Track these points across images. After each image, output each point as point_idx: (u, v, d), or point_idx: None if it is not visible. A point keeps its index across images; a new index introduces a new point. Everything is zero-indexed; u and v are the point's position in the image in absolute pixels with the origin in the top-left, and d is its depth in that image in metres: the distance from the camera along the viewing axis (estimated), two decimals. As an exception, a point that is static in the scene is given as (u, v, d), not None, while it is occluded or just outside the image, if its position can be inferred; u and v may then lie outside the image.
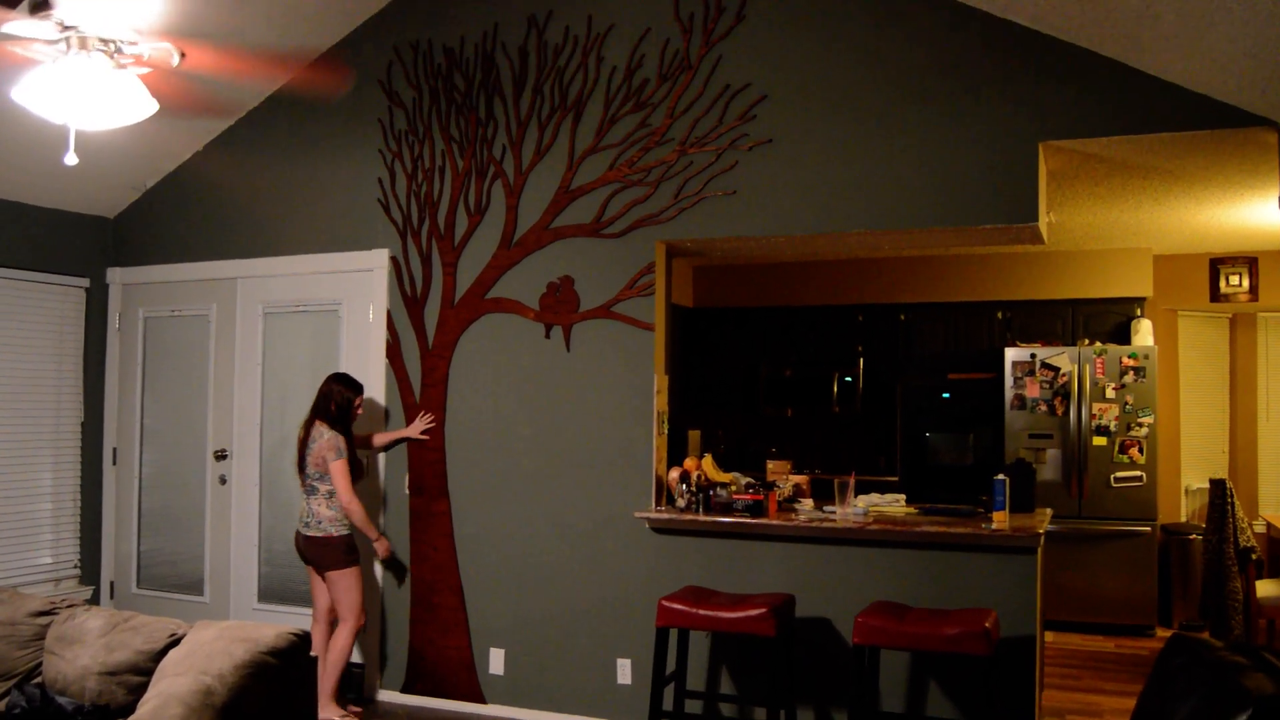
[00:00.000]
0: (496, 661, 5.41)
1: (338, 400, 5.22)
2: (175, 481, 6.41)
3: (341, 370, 5.64)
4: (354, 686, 5.67)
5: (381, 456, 5.70)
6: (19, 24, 3.17)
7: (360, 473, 5.40)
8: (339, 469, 5.11)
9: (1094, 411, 7.20)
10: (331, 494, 5.16)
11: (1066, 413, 7.26)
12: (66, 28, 3.23)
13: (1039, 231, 4.67)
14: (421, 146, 5.66)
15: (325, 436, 5.15)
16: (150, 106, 3.45)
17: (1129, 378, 7.15)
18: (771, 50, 4.95)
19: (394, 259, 5.72)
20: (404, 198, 5.71)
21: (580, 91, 5.30)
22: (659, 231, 5.14)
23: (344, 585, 5.14)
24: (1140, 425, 7.12)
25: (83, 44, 3.24)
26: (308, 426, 5.23)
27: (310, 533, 5.17)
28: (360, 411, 5.33)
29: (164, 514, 6.45)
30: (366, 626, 5.34)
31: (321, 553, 5.16)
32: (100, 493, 6.57)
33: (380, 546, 5.40)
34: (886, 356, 8.24)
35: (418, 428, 5.56)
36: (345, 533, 5.17)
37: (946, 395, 7.88)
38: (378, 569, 5.66)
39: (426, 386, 5.60)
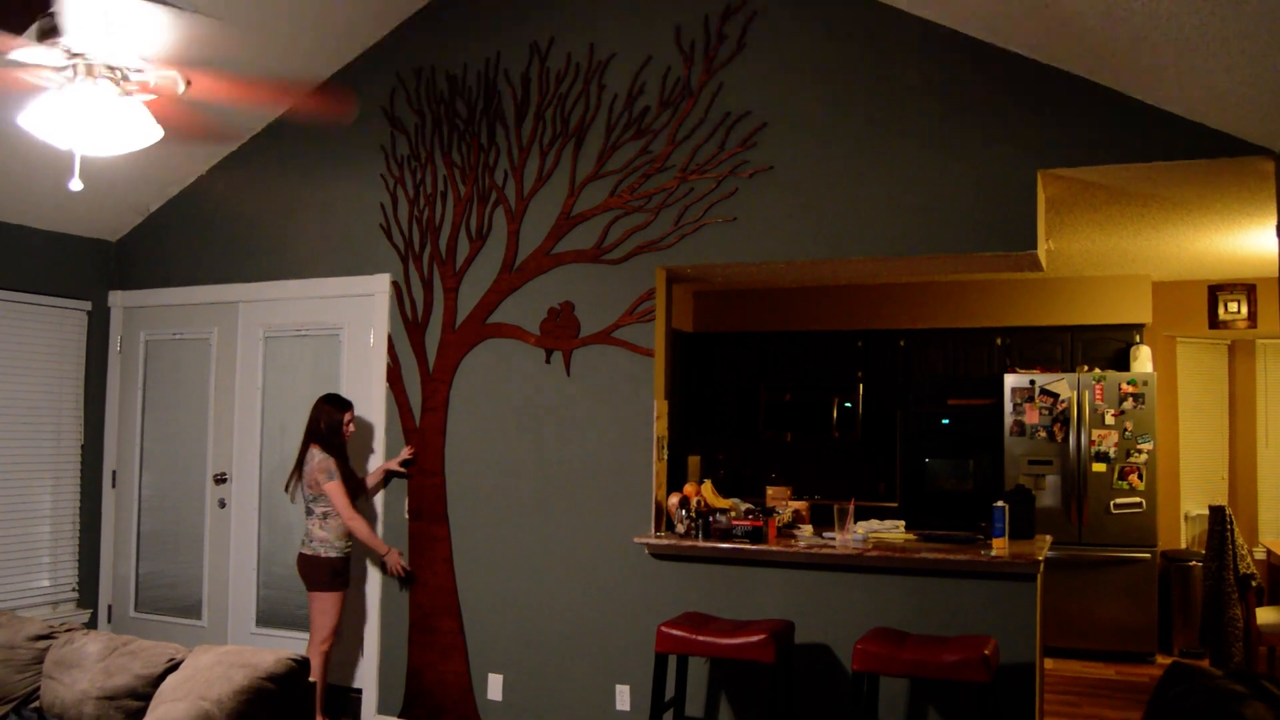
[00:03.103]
0: (495, 687, 5.40)
1: (326, 421, 5.30)
2: (174, 504, 6.41)
3: (340, 393, 5.68)
4: (350, 710, 5.65)
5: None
6: (27, 51, 3.20)
7: (360, 491, 5.47)
8: (334, 490, 5.18)
9: (1093, 438, 7.21)
10: (326, 515, 5.23)
11: (1066, 439, 7.27)
12: (74, 55, 3.26)
13: (1038, 259, 4.69)
14: (423, 172, 5.70)
15: (316, 459, 5.23)
16: (155, 133, 3.48)
17: (1128, 404, 7.15)
18: (772, 78, 4.98)
19: (395, 284, 5.74)
20: (406, 223, 5.73)
21: (582, 118, 5.34)
22: (659, 257, 5.16)
23: (320, 607, 5.23)
24: (1140, 451, 7.12)
25: (89, 71, 3.26)
26: (303, 449, 5.32)
27: (303, 550, 5.29)
28: (351, 429, 5.36)
29: (163, 537, 6.44)
30: (331, 653, 5.37)
31: (308, 571, 5.26)
32: (99, 515, 6.56)
33: (391, 560, 5.44)
34: (886, 382, 8.25)
35: (396, 460, 5.59)
36: (334, 556, 5.23)
37: (946, 421, 7.88)
38: (374, 592, 5.66)
39: (427, 411, 5.61)
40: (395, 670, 5.61)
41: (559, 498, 5.33)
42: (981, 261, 4.87)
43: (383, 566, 5.52)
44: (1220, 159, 4.33)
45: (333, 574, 5.21)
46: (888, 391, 8.22)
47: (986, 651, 3.93)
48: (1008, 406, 7.41)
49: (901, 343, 8.24)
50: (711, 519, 5.00)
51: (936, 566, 4.58)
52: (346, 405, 5.37)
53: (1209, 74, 3.89)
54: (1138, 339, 7.65)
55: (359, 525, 5.26)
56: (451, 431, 5.57)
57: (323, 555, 5.21)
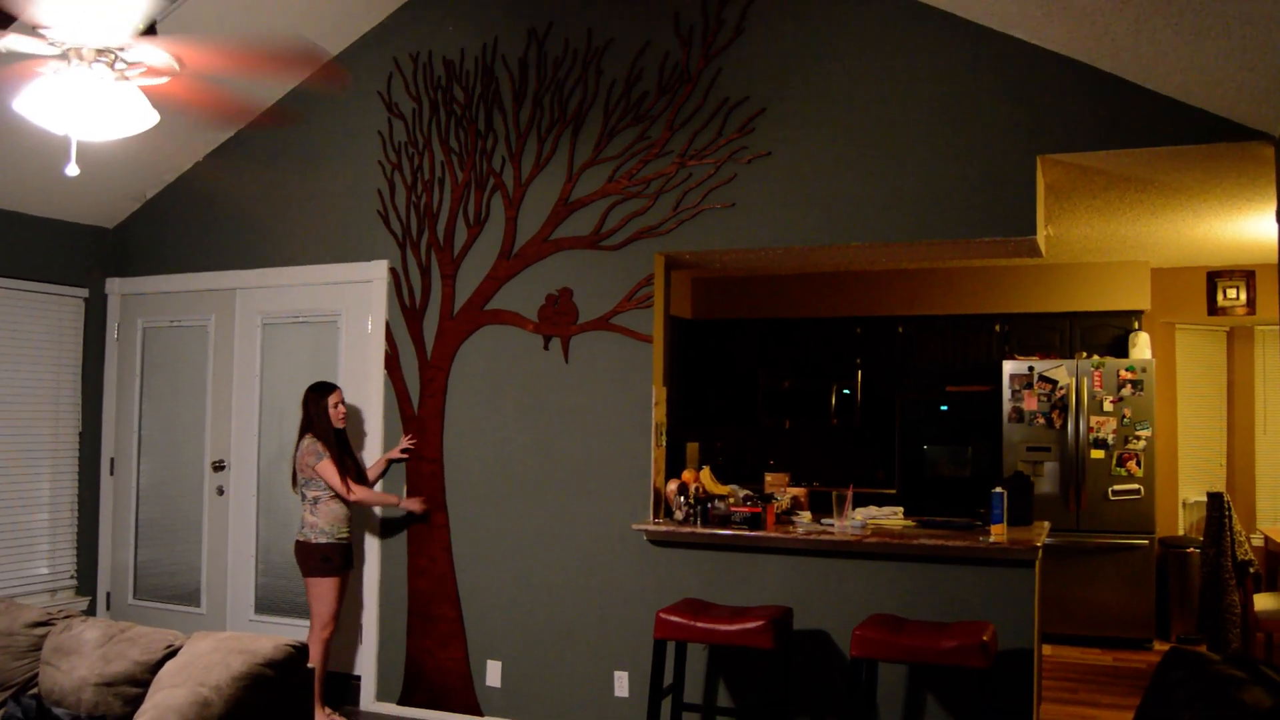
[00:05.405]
0: (494, 674, 5.40)
1: (313, 408, 5.30)
2: (172, 492, 6.41)
3: (338, 381, 5.68)
4: (349, 697, 5.66)
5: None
6: (19, 37, 3.18)
7: (361, 481, 5.45)
8: (326, 469, 5.19)
9: (1092, 424, 7.20)
10: (317, 501, 5.24)
11: (1064, 426, 7.27)
12: (68, 40, 3.23)
13: (1037, 244, 4.69)
14: (421, 158, 5.67)
15: (304, 445, 5.24)
16: (151, 117, 3.45)
17: (1127, 391, 7.15)
18: (770, 64, 4.96)
19: (393, 270, 5.73)
20: (403, 209, 5.72)
21: (580, 104, 5.32)
22: (658, 243, 5.15)
23: (315, 593, 5.24)
24: (1138, 438, 7.12)
25: (84, 56, 3.24)
26: (297, 441, 5.33)
27: (297, 537, 5.31)
28: (341, 410, 5.33)
29: (161, 525, 6.43)
30: (331, 640, 5.36)
31: (300, 557, 5.28)
32: (97, 503, 6.56)
33: (409, 505, 5.47)
34: (885, 368, 8.24)
35: (397, 450, 5.59)
36: (324, 541, 5.22)
37: (944, 408, 7.88)
38: (373, 580, 5.66)
39: (425, 398, 5.60)
40: (394, 657, 5.61)
41: (557, 485, 5.32)
42: (980, 247, 4.86)
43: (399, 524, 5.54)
44: (1220, 144, 4.33)
45: (322, 559, 5.21)
46: (886, 378, 8.22)
47: (985, 638, 3.93)
48: (1006, 393, 7.40)
49: (900, 329, 8.23)
50: (710, 505, 5.00)
51: (935, 553, 4.59)
52: (330, 388, 5.34)
53: (1209, 59, 3.88)
54: (1136, 325, 7.65)
55: (361, 494, 5.27)
56: (449, 418, 5.56)
57: (313, 541, 5.22)
